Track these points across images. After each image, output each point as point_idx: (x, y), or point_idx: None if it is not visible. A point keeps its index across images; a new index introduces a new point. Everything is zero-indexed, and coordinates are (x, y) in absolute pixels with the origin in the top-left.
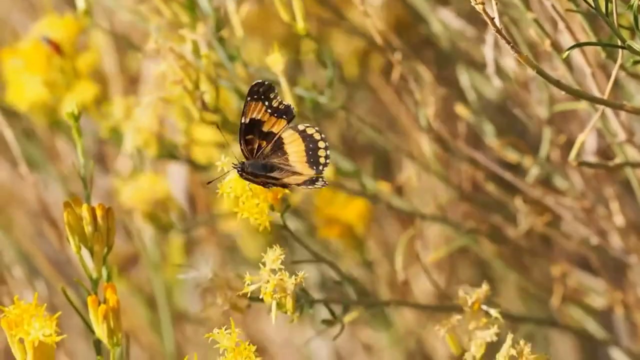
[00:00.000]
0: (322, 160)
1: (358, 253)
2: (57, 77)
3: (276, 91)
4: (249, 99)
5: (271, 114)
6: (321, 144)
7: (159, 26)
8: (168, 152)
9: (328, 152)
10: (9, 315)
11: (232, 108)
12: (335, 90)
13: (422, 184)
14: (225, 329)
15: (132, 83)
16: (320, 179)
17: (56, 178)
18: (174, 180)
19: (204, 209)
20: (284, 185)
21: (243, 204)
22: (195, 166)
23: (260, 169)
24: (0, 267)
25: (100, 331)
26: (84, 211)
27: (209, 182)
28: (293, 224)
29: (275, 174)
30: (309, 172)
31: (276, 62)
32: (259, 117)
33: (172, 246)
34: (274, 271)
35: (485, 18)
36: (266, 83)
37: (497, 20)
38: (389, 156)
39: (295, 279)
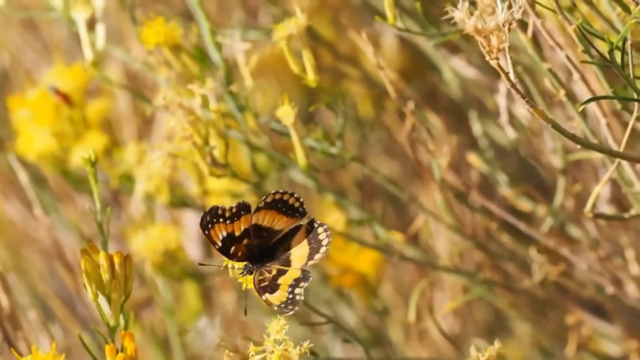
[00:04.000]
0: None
1: (372, 301)
2: (65, 128)
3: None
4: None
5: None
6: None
7: (168, 78)
8: (180, 200)
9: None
10: None
11: (242, 160)
12: (348, 136)
13: (435, 233)
14: None
15: (146, 123)
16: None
17: (68, 221)
18: (189, 223)
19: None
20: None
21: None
22: None
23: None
24: (15, 311)
25: None
26: (102, 259)
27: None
28: None
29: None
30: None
31: (286, 115)
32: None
33: (186, 289)
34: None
35: (501, 73)
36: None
37: (511, 75)
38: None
39: (300, 350)
